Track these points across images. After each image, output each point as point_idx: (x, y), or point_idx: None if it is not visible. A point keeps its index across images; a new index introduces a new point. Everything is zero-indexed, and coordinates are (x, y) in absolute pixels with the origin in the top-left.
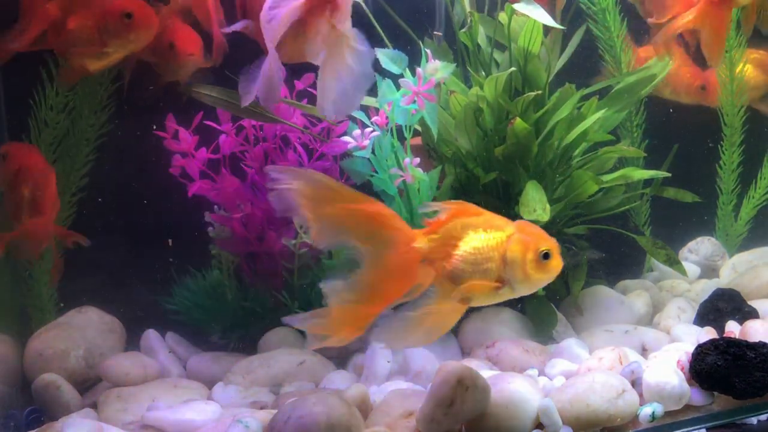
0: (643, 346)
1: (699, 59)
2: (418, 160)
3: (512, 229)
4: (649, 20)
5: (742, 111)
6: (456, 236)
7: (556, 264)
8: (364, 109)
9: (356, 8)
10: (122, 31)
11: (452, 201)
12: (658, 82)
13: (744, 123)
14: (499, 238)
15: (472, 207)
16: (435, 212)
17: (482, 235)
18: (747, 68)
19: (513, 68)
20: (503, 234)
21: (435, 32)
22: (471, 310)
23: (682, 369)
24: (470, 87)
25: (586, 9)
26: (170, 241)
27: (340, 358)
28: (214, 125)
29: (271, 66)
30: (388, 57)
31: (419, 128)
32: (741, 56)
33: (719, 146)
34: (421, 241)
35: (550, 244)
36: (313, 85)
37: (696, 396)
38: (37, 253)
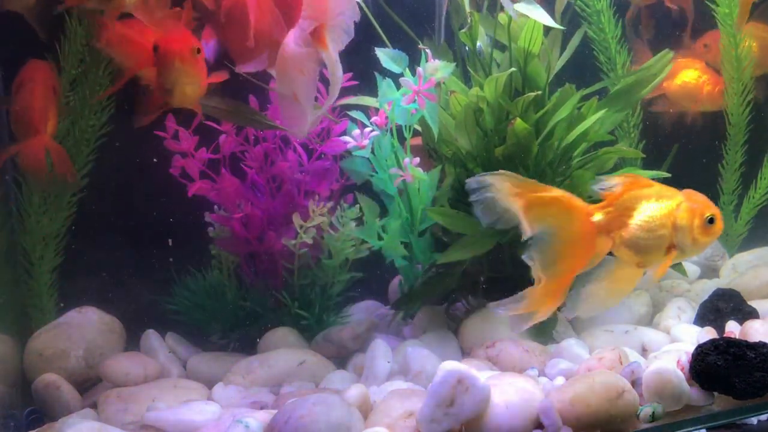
0: (643, 346)
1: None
2: (417, 159)
3: (681, 197)
4: None
5: (747, 111)
6: (630, 207)
7: (719, 228)
8: (364, 109)
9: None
10: (158, 65)
11: (625, 174)
12: (659, 83)
13: (748, 123)
14: (669, 207)
15: (643, 179)
16: (610, 186)
17: (654, 204)
18: (751, 44)
19: (513, 68)
20: (673, 203)
21: (421, 46)
22: (471, 311)
23: (682, 369)
24: (470, 87)
25: (581, 11)
26: (170, 241)
27: (340, 358)
28: (215, 125)
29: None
30: (388, 56)
31: (419, 128)
32: (748, 55)
33: (723, 146)
34: (598, 215)
35: (715, 210)
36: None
37: (696, 396)
38: (35, 176)
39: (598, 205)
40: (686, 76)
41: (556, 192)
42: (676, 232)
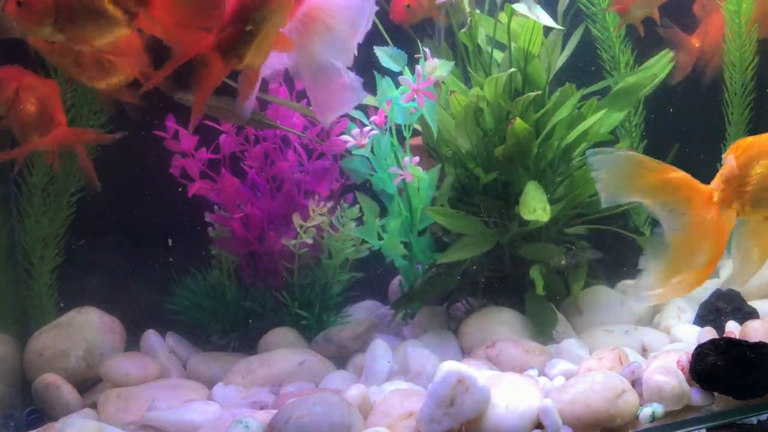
0: (643, 346)
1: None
2: (417, 159)
3: None
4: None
5: (747, 111)
6: (746, 175)
7: None
8: (363, 108)
9: None
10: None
11: (731, 145)
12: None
13: (748, 123)
14: None
15: (742, 141)
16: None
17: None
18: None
19: (513, 68)
20: None
21: (418, 55)
22: (471, 311)
23: (682, 369)
24: (470, 87)
25: (585, 10)
26: (170, 241)
27: (340, 358)
28: (215, 125)
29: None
30: (387, 55)
31: (419, 128)
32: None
33: (723, 146)
34: (717, 195)
35: None
36: None
37: (696, 396)
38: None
39: (714, 184)
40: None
41: (676, 173)
42: None
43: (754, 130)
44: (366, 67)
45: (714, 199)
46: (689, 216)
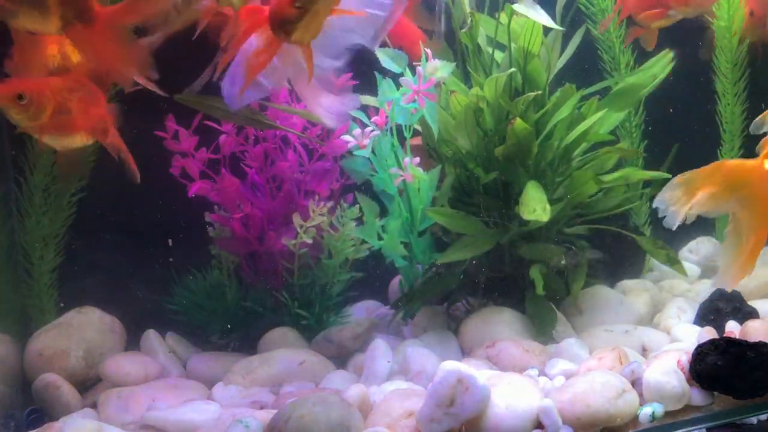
0: (643, 346)
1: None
2: (417, 159)
3: None
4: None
5: (741, 119)
6: None
7: None
8: (364, 108)
9: None
10: None
11: None
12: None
13: (742, 131)
14: None
15: None
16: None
17: None
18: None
19: (513, 69)
20: None
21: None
22: (471, 311)
23: (682, 369)
24: (470, 87)
25: (585, 10)
26: (170, 241)
27: (340, 358)
28: (215, 125)
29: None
30: (388, 56)
31: (419, 128)
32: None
33: (719, 151)
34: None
35: None
36: None
37: (696, 396)
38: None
39: (764, 153)
40: None
41: (727, 163)
42: None
43: (749, 136)
44: (366, 67)
45: (766, 167)
46: (750, 195)
